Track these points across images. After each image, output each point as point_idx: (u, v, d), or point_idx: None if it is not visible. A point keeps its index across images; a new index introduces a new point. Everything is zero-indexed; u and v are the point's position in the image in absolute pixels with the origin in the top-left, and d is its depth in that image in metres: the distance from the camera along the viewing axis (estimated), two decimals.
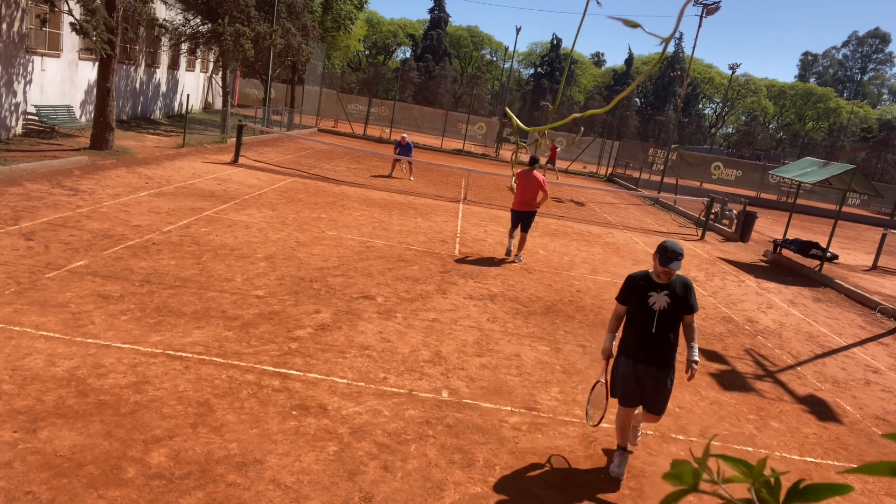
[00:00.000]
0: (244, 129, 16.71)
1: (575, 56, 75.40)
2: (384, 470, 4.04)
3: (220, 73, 22.91)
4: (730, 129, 74.04)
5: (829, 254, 13.85)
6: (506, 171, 23.95)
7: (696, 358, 4.38)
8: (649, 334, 4.24)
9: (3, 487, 3.33)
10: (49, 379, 4.45)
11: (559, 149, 28.78)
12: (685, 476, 0.69)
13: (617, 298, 4.44)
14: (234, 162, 15.91)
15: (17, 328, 5.12)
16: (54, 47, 15.66)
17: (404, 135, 18.71)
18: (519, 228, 10.25)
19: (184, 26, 21.06)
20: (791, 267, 13.93)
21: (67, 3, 13.83)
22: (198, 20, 21.24)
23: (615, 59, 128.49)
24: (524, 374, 5.90)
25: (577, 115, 1.73)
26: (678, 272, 4.24)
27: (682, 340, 4.42)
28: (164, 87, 23.92)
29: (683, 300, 4.25)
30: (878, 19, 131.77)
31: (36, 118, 14.75)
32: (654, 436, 5.13)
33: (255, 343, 5.58)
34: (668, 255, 4.17)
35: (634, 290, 4.32)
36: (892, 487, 4.98)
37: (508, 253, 10.47)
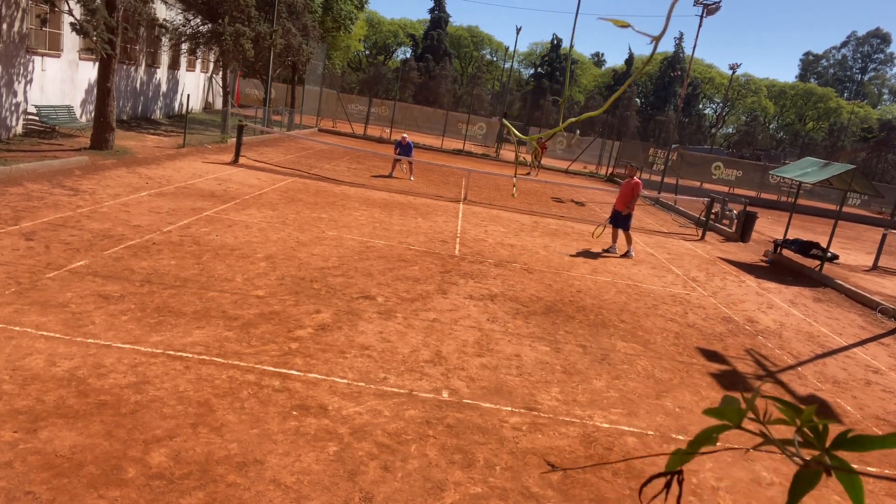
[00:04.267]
0: (244, 129, 16.72)
1: (575, 56, 75.37)
2: (384, 470, 4.04)
3: (221, 73, 22.92)
4: (730, 129, 74.03)
5: (829, 254, 13.84)
6: (507, 171, 23.94)
7: None
8: None
9: (3, 487, 3.33)
10: (49, 379, 4.45)
11: (547, 148, 28.83)
12: (729, 414, 0.68)
13: None
14: (235, 162, 15.91)
15: (17, 328, 5.12)
16: (55, 47, 15.66)
17: (405, 135, 18.71)
18: (613, 226, 12.43)
19: (184, 26, 21.06)
20: (791, 267, 13.92)
21: (68, 3, 13.83)
22: (198, 20, 21.25)
23: (615, 60, 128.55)
24: (524, 374, 5.90)
25: (573, 119, 1.73)
26: None
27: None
28: (164, 87, 23.92)
29: None
30: (879, 19, 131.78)
31: (36, 118, 14.75)
32: (655, 436, 5.13)
33: (255, 343, 5.58)
34: None
35: None
36: (893, 488, 4.98)
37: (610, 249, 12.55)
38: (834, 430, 0.62)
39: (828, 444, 0.65)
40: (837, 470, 0.62)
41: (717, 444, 0.69)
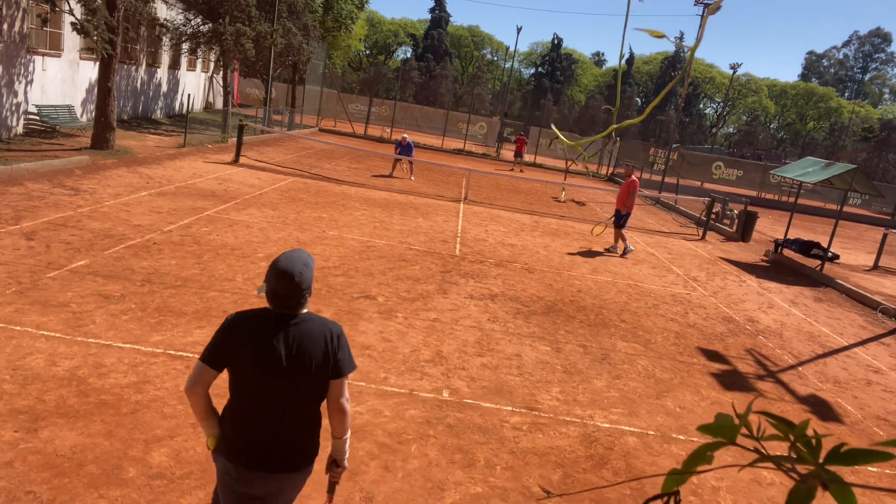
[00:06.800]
0: (245, 128, 16.72)
1: (576, 56, 75.36)
2: (385, 470, 4.04)
3: (221, 72, 22.92)
4: (731, 129, 73.98)
5: (830, 254, 13.83)
6: (503, 170, 23.96)
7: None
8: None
9: (3, 487, 3.33)
10: (50, 379, 4.45)
11: (527, 140, 28.68)
12: (725, 430, 0.68)
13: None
14: (235, 162, 15.91)
15: (18, 328, 5.12)
16: (55, 47, 15.66)
17: (405, 135, 18.71)
18: (615, 226, 12.65)
19: (185, 26, 21.06)
20: (792, 267, 13.92)
21: (68, 3, 13.83)
22: (199, 20, 21.25)
23: (616, 59, 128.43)
24: (525, 373, 5.90)
25: (616, 125, 1.72)
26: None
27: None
28: (164, 87, 23.93)
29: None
30: (880, 19, 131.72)
31: (37, 118, 14.76)
32: (655, 436, 5.12)
33: None
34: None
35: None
36: (893, 488, 4.98)
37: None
38: (827, 443, 0.62)
39: (822, 458, 0.65)
40: (833, 483, 0.62)
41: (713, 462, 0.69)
